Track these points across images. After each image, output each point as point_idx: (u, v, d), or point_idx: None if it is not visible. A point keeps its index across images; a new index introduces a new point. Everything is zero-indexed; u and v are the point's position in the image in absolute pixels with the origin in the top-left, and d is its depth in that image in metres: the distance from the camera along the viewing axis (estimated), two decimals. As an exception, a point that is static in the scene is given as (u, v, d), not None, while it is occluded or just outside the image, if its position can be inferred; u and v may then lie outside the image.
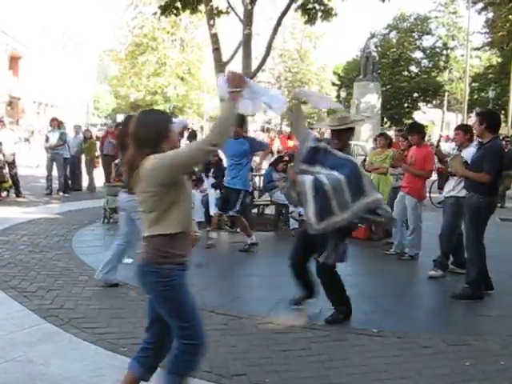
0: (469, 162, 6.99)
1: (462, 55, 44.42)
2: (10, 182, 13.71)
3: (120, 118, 58.58)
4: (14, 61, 45.34)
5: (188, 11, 14.23)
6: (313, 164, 5.24)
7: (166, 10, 14.03)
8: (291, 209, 9.98)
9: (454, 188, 7.30)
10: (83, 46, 59.07)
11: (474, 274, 6.49)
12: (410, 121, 41.80)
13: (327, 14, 13.78)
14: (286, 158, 11.25)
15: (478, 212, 6.45)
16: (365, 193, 5.04)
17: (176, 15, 14.74)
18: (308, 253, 5.56)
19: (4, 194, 13.56)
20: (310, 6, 13.64)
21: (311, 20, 13.94)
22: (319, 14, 13.76)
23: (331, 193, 4.94)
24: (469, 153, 7.13)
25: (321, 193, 4.95)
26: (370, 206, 5.09)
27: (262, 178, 11.66)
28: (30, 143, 31.97)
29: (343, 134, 5.34)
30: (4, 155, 13.47)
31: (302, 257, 5.62)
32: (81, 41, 58.10)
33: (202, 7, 13.50)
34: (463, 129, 7.64)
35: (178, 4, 13.86)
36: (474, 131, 7.31)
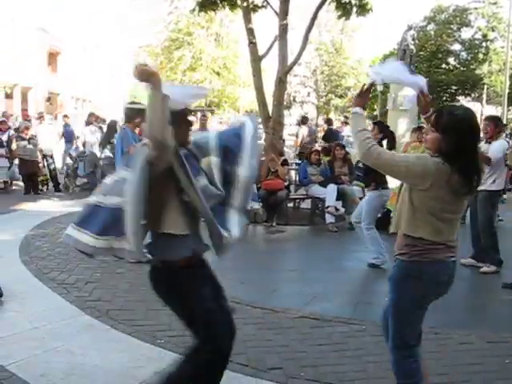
0: (500, 154, 6.95)
1: (503, 47, 43.37)
2: (48, 175, 13.95)
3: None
4: (52, 57, 45.94)
5: (227, 7, 14.16)
6: None
7: (204, 6, 14.01)
8: (327, 203, 9.94)
9: (484, 182, 7.15)
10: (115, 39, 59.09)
11: None
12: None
13: (363, 8, 13.57)
14: (318, 149, 11.23)
15: None
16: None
17: (215, 11, 14.74)
18: None
19: (44, 188, 13.81)
20: (346, 0, 13.46)
21: (346, 14, 13.75)
22: (354, 8, 13.55)
23: None
24: (498, 145, 7.02)
25: None
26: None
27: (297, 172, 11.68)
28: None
29: None
30: (42, 149, 13.70)
31: None
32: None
33: (239, 1, 13.43)
34: (493, 120, 7.42)
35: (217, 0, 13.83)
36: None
